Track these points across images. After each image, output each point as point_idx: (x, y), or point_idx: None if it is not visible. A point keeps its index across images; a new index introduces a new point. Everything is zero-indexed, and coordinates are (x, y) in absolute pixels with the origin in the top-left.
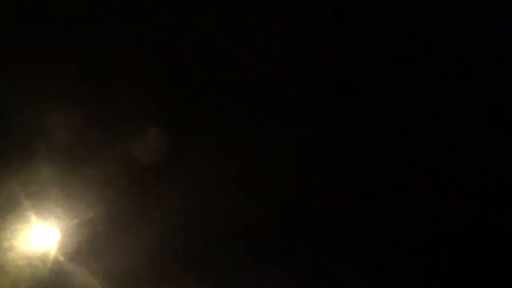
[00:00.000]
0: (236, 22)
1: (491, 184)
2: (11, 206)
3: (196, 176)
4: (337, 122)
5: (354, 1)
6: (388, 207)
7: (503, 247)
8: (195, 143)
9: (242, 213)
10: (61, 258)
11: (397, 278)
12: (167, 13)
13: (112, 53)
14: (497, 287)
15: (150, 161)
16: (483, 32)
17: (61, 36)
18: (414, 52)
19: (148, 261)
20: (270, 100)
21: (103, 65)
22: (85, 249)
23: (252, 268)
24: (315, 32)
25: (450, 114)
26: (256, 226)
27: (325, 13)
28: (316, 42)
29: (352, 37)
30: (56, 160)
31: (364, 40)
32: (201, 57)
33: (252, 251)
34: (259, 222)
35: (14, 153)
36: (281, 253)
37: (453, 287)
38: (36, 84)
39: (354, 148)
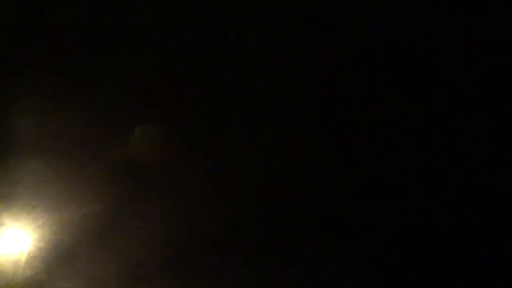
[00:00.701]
0: (228, 20)
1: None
2: None
3: (184, 180)
4: (327, 125)
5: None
6: (374, 211)
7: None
8: (182, 146)
9: (231, 216)
10: (34, 264)
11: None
12: (160, 12)
13: (104, 51)
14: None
15: (134, 163)
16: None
17: (51, 32)
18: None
19: (128, 268)
20: (263, 100)
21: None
22: (60, 256)
23: (240, 272)
24: (308, 30)
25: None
26: (245, 229)
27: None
28: (306, 41)
29: (348, 36)
30: (32, 160)
31: (361, 39)
32: (195, 57)
33: (240, 254)
34: (248, 225)
35: None
36: (270, 255)
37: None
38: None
39: (343, 151)
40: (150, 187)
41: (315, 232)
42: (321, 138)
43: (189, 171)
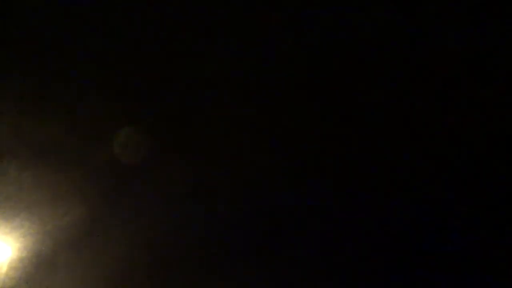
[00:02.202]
0: (209, 26)
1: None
2: None
3: (166, 184)
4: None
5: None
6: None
7: None
8: (164, 150)
9: (214, 219)
10: (15, 274)
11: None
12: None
13: (82, 53)
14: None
15: (114, 168)
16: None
17: (25, 33)
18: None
19: (109, 278)
20: (244, 103)
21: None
22: (41, 265)
23: (224, 275)
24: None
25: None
26: (228, 232)
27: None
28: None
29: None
30: (11, 168)
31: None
32: (176, 60)
33: (224, 257)
34: (231, 228)
35: None
36: (254, 257)
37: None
38: None
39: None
40: (132, 192)
41: (301, 233)
42: (301, 146)
43: (171, 175)
